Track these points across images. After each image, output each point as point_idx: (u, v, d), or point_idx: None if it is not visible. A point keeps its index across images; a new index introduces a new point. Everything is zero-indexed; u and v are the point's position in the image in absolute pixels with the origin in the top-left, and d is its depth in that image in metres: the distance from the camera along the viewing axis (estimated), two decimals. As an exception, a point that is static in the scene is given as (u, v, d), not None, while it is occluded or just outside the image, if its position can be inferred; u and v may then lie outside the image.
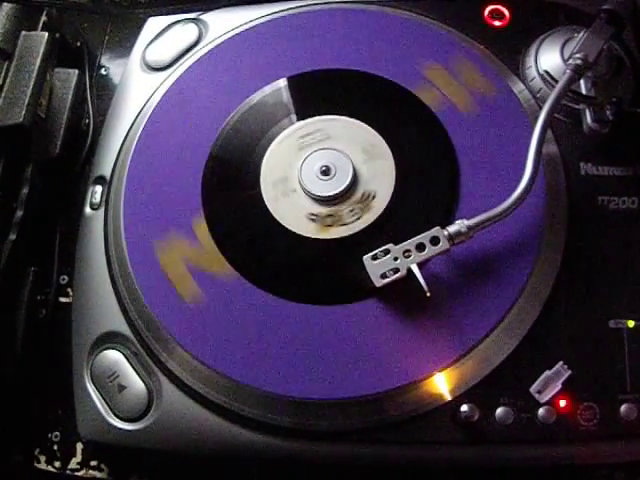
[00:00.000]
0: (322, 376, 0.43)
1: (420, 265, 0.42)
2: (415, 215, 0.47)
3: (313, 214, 0.48)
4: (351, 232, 0.46)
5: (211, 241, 0.47)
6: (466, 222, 0.42)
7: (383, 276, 0.42)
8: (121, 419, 0.45)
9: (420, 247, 0.42)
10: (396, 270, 0.42)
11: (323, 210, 0.48)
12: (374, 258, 0.42)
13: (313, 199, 0.48)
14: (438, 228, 0.42)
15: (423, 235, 0.42)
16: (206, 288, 0.46)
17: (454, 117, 0.50)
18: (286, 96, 0.52)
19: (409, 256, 0.42)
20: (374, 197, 0.48)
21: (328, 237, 0.47)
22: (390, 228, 0.46)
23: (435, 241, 0.42)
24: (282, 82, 0.53)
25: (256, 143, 0.50)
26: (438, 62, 0.52)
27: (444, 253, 0.42)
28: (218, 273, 0.46)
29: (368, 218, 0.47)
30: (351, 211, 0.47)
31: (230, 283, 0.46)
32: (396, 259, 0.42)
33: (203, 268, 0.46)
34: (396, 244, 0.43)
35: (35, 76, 0.51)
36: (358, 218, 0.47)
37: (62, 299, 0.52)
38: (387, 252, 0.42)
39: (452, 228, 0.42)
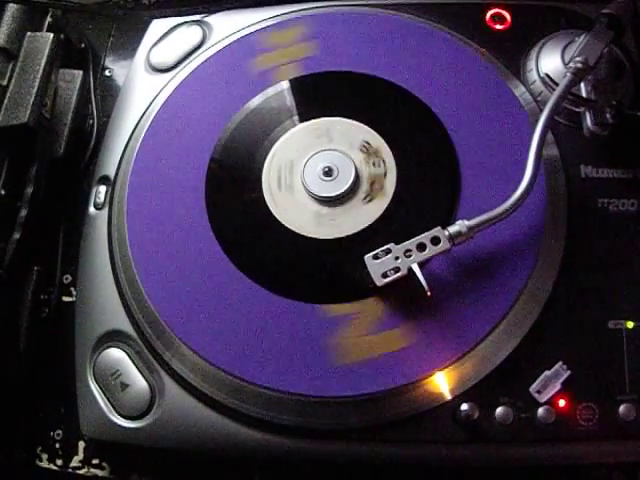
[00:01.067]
0: (323, 375, 0.43)
1: (421, 265, 0.42)
2: (416, 215, 0.47)
3: (315, 214, 0.48)
4: (352, 232, 0.47)
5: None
6: (467, 222, 0.43)
7: (384, 275, 0.42)
8: (123, 417, 0.45)
9: (421, 247, 0.42)
10: (397, 269, 0.42)
11: (324, 210, 0.48)
12: (375, 257, 0.43)
13: (315, 199, 0.48)
14: (439, 228, 0.43)
15: (424, 235, 0.43)
16: (208, 286, 0.46)
17: (456, 120, 0.50)
18: (289, 98, 0.53)
19: (410, 256, 0.42)
20: (375, 198, 0.48)
21: (330, 237, 0.47)
22: (391, 228, 0.47)
23: (436, 241, 0.42)
24: (285, 84, 0.53)
25: (259, 144, 0.51)
26: (439, 65, 0.52)
27: (445, 253, 0.43)
28: (220, 270, 0.46)
29: (369, 217, 0.47)
30: (352, 211, 0.48)
31: (233, 282, 0.46)
32: (397, 258, 0.42)
33: (206, 267, 0.47)
34: (397, 244, 0.43)
35: (40, 77, 0.51)
36: (358, 219, 0.47)
37: (65, 298, 0.52)
38: (388, 251, 0.43)
39: (453, 228, 0.43)
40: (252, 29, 0.56)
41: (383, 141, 0.50)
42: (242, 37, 0.55)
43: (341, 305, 0.45)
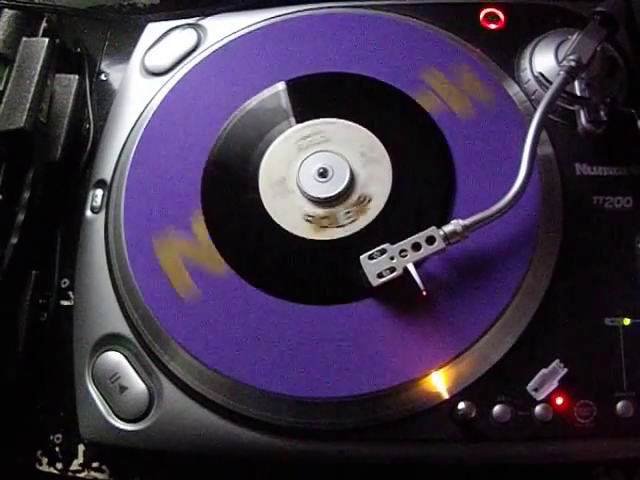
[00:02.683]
0: (320, 375, 0.43)
1: (416, 264, 0.42)
2: (411, 215, 0.47)
3: (309, 215, 0.48)
4: (347, 234, 0.47)
5: (210, 243, 0.48)
6: (461, 222, 0.43)
7: (379, 275, 0.42)
8: (122, 420, 0.45)
9: (416, 247, 0.43)
10: (392, 269, 0.42)
11: (319, 211, 0.48)
12: (370, 258, 0.43)
13: (310, 200, 0.48)
14: (434, 228, 0.43)
15: (419, 235, 0.43)
16: (205, 288, 0.46)
17: (451, 120, 0.50)
18: (284, 100, 0.53)
19: (405, 255, 0.42)
20: (370, 200, 0.48)
21: (325, 238, 0.47)
22: (387, 228, 0.47)
23: (431, 241, 0.42)
24: (280, 86, 0.53)
25: (255, 146, 0.51)
26: (435, 66, 0.52)
27: (440, 253, 0.43)
28: (217, 274, 0.47)
29: (364, 220, 0.47)
30: (347, 213, 0.48)
31: (230, 284, 0.46)
32: (392, 258, 0.42)
33: (202, 269, 0.47)
34: (392, 244, 0.43)
35: (36, 81, 0.51)
36: (354, 220, 0.47)
37: (63, 302, 0.52)
38: (383, 252, 0.43)
39: (448, 228, 0.43)
40: (247, 31, 0.56)
41: (378, 142, 0.50)
42: (237, 39, 0.55)
43: (337, 306, 0.45)
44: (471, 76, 0.51)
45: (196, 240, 0.48)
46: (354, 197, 0.48)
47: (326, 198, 0.48)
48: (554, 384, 0.43)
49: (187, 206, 0.49)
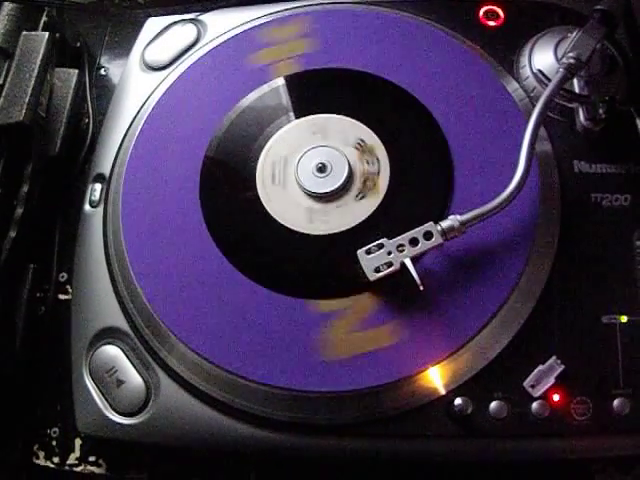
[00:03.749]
0: (317, 370, 0.43)
1: (414, 260, 0.42)
2: (409, 212, 0.47)
3: (307, 209, 0.48)
4: (344, 228, 0.47)
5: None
6: (459, 217, 0.43)
7: (377, 270, 0.42)
8: (119, 414, 0.45)
9: (413, 242, 0.43)
10: (390, 264, 0.42)
11: (318, 206, 0.48)
12: (368, 252, 0.43)
13: (308, 195, 0.48)
14: (431, 223, 0.43)
15: (417, 230, 0.43)
16: (203, 283, 0.46)
17: (449, 116, 0.50)
18: (283, 95, 0.53)
19: (403, 250, 0.42)
20: (368, 195, 0.48)
21: (322, 233, 0.47)
22: (384, 224, 0.47)
23: (428, 236, 0.43)
24: (280, 81, 0.53)
25: (254, 141, 0.51)
26: (433, 62, 0.52)
27: (437, 248, 0.43)
28: (214, 266, 0.47)
29: (361, 214, 0.47)
30: (344, 209, 0.48)
31: (228, 278, 0.46)
32: (390, 253, 0.43)
33: (200, 262, 0.47)
34: (390, 239, 0.43)
35: (35, 75, 0.51)
36: (351, 216, 0.47)
37: (61, 296, 0.52)
38: (381, 246, 0.43)
39: (445, 223, 0.43)
40: (246, 26, 0.56)
41: (377, 138, 0.50)
42: (236, 35, 0.56)
43: (334, 300, 0.45)
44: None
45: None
46: (352, 192, 0.48)
47: (324, 193, 0.48)
48: (551, 381, 0.43)
49: (186, 202, 0.49)
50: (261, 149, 0.50)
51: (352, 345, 0.43)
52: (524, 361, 0.43)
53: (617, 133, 0.48)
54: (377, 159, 0.49)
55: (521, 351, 0.44)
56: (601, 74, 0.50)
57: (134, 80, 0.56)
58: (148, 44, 0.58)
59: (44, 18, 0.56)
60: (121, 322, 0.47)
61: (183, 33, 0.57)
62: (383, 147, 0.50)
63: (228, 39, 0.56)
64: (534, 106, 0.46)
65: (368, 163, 0.49)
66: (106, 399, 0.45)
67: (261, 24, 0.56)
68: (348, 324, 0.44)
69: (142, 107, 0.54)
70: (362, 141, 0.50)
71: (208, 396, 0.44)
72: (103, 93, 0.60)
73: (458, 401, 0.42)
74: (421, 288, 0.42)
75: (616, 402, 0.43)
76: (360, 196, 0.48)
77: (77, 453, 0.48)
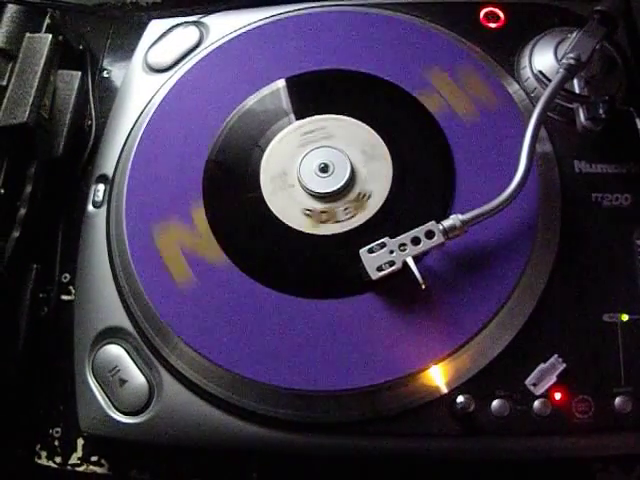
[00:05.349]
0: (319, 369, 0.43)
1: (416, 259, 0.43)
2: (411, 212, 0.47)
3: (309, 209, 0.48)
4: (346, 229, 0.47)
5: (212, 237, 0.48)
6: (460, 217, 0.43)
7: (379, 269, 0.42)
8: (122, 413, 0.45)
9: (415, 241, 0.43)
10: (392, 263, 0.42)
11: (319, 206, 0.48)
12: (370, 251, 0.43)
13: (310, 195, 0.49)
14: (433, 222, 0.43)
15: (418, 229, 0.43)
16: (206, 282, 0.46)
17: (451, 117, 0.50)
18: (286, 97, 0.53)
19: (405, 249, 0.43)
20: (370, 196, 0.48)
21: (325, 233, 0.47)
22: (386, 225, 0.47)
23: (430, 235, 0.43)
24: (282, 83, 0.53)
25: (256, 142, 0.51)
26: (435, 64, 0.53)
27: (439, 247, 0.43)
28: (217, 267, 0.47)
29: (363, 215, 0.48)
30: (346, 209, 0.48)
31: (231, 277, 0.46)
32: (392, 252, 0.43)
33: (202, 262, 0.47)
34: (392, 238, 0.43)
35: (39, 77, 0.51)
36: (353, 216, 0.48)
37: (64, 297, 0.52)
38: (383, 245, 0.43)
39: (447, 222, 0.43)
40: (248, 29, 0.56)
41: (379, 138, 0.50)
42: (239, 37, 0.56)
43: (337, 300, 0.45)
44: (474, 76, 0.52)
45: (197, 233, 0.48)
46: (354, 193, 0.49)
47: (326, 193, 0.48)
48: (552, 379, 0.43)
49: (188, 201, 0.49)
50: (264, 150, 0.51)
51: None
52: (526, 359, 0.43)
53: (617, 133, 0.49)
54: (379, 160, 0.49)
55: (523, 349, 0.44)
56: (601, 74, 0.50)
57: (137, 82, 0.57)
58: (151, 46, 0.58)
59: (47, 20, 0.56)
60: (124, 322, 0.47)
61: (186, 35, 0.58)
62: (386, 148, 0.50)
63: (230, 41, 0.56)
64: (534, 107, 0.46)
65: (370, 164, 0.49)
66: (109, 398, 0.46)
67: (263, 26, 0.56)
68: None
69: (145, 109, 0.54)
70: (365, 142, 0.50)
71: (211, 395, 0.44)
72: (106, 95, 0.60)
73: (460, 399, 0.42)
74: (423, 287, 0.42)
75: (617, 400, 0.43)
76: (362, 197, 0.48)
77: (79, 453, 0.48)
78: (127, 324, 0.47)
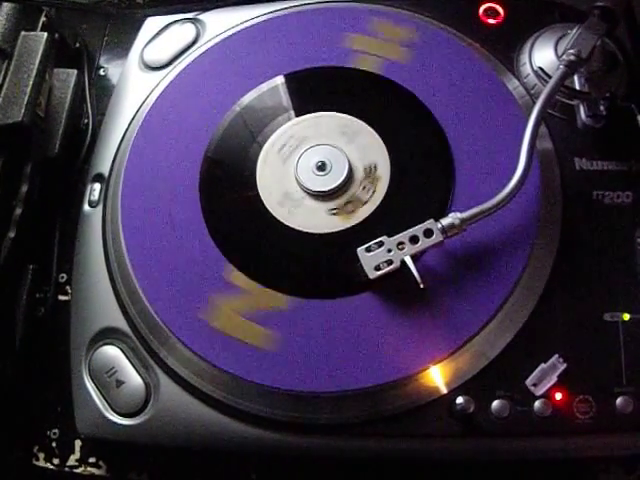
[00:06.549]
0: (318, 370, 0.43)
1: (414, 258, 0.42)
2: (410, 211, 0.47)
3: (307, 208, 0.48)
4: (344, 227, 0.47)
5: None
6: (459, 215, 0.43)
7: (377, 268, 0.42)
8: (119, 414, 0.45)
9: (414, 239, 0.42)
10: (390, 262, 0.42)
11: (318, 205, 0.48)
12: (368, 250, 0.43)
13: (309, 194, 0.48)
14: (432, 221, 0.43)
15: (417, 227, 0.43)
16: (204, 283, 0.46)
17: (449, 114, 0.50)
18: (282, 93, 0.53)
19: (403, 248, 0.42)
20: (368, 193, 0.48)
21: (322, 231, 0.47)
22: (384, 223, 0.46)
23: (429, 233, 0.42)
24: (279, 79, 0.53)
25: (253, 139, 0.51)
26: (433, 60, 0.52)
27: (437, 245, 0.42)
28: (215, 267, 0.46)
29: (362, 213, 0.47)
30: (346, 205, 0.48)
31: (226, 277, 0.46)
32: (390, 251, 0.42)
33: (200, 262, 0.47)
34: (390, 237, 0.43)
35: (34, 75, 0.51)
36: (352, 213, 0.47)
37: (61, 297, 0.52)
38: (381, 244, 0.43)
39: (445, 221, 0.43)
40: (245, 26, 0.56)
41: (377, 136, 0.50)
42: (235, 34, 0.55)
43: (334, 300, 0.44)
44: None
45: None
46: (352, 190, 0.48)
47: (324, 191, 0.48)
48: (553, 379, 0.42)
49: (185, 202, 0.49)
50: (261, 148, 0.50)
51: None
52: (526, 360, 0.43)
53: (618, 130, 0.48)
54: (377, 157, 0.49)
55: (523, 350, 0.43)
56: (602, 71, 0.50)
57: (133, 80, 0.56)
58: (147, 44, 0.58)
59: (43, 18, 0.56)
60: (121, 322, 0.47)
61: (182, 33, 0.57)
62: (384, 146, 0.49)
63: (227, 38, 0.55)
64: (535, 103, 0.46)
65: (368, 160, 0.49)
66: (106, 400, 0.45)
67: (259, 23, 0.56)
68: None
69: (141, 107, 0.54)
70: (362, 140, 0.50)
71: (208, 396, 0.44)
72: (102, 93, 0.60)
73: (460, 400, 0.42)
74: (422, 286, 0.41)
75: (619, 400, 0.42)
76: (360, 195, 0.48)
77: (77, 454, 0.48)
78: (124, 325, 0.47)
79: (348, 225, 0.47)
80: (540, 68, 0.51)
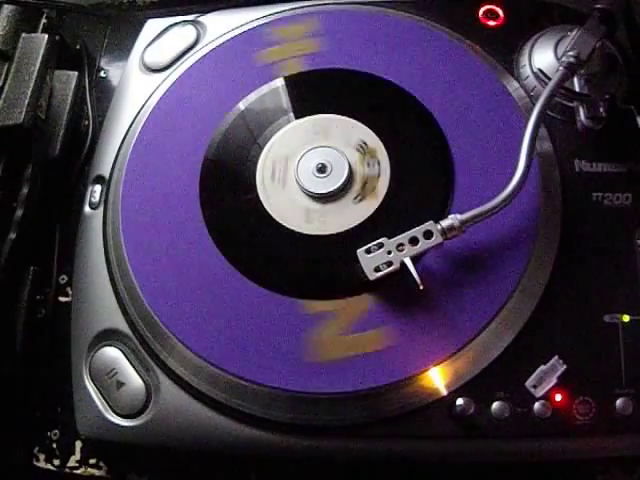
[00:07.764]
0: (319, 371, 0.43)
1: (414, 260, 0.42)
2: (409, 213, 0.47)
3: (306, 210, 0.48)
4: (342, 229, 0.47)
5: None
6: (459, 216, 0.43)
7: (377, 269, 0.42)
8: (119, 416, 0.45)
9: (413, 241, 0.42)
10: (389, 263, 0.42)
11: (318, 207, 0.48)
12: (368, 252, 0.43)
13: (308, 196, 0.48)
14: (431, 222, 0.43)
15: (416, 229, 0.43)
16: (203, 284, 0.46)
17: (449, 116, 0.50)
18: (284, 95, 0.53)
19: (403, 250, 0.42)
20: (367, 196, 0.48)
21: (319, 233, 0.47)
22: (383, 225, 0.46)
23: (428, 235, 0.42)
24: (280, 81, 0.53)
25: (254, 141, 0.51)
26: (433, 61, 0.52)
27: (437, 247, 0.43)
28: (216, 270, 0.46)
29: (362, 215, 0.47)
30: (343, 209, 0.48)
31: (229, 280, 0.46)
32: (390, 253, 0.42)
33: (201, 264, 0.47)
34: (390, 238, 0.43)
35: (35, 77, 0.51)
36: (350, 216, 0.47)
37: (61, 298, 0.52)
38: (381, 246, 0.43)
39: (445, 222, 0.43)
40: (246, 28, 0.56)
41: (378, 138, 0.50)
42: (235, 36, 0.56)
43: (335, 301, 0.45)
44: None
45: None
46: (352, 192, 0.48)
47: (323, 194, 0.48)
48: (553, 381, 0.42)
49: (186, 204, 0.49)
50: (261, 150, 0.50)
51: (353, 346, 0.43)
52: (526, 361, 0.43)
53: (618, 132, 0.48)
54: (378, 161, 0.49)
55: (523, 351, 0.43)
56: (601, 72, 0.50)
57: (134, 82, 0.56)
58: (147, 46, 0.58)
59: (43, 20, 0.56)
60: (121, 324, 0.47)
61: (182, 35, 0.57)
62: (384, 149, 0.49)
63: (227, 40, 0.56)
64: (534, 105, 0.46)
65: (369, 165, 0.49)
66: (106, 401, 0.45)
67: (260, 25, 0.56)
68: (349, 325, 0.44)
69: (142, 109, 0.54)
70: (363, 142, 0.50)
71: (208, 397, 0.44)
72: (103, 95, 0.60)
73: (460, 402, 0.42)
74: (421, 287, 0.42)
75: (619, 402, 0.42)
76: (359, 198, 0.48)
77: (77, 455, 0.48)
78: (124, 326, 0.47)
79: (348, 227, 0.47)
80: (540, 70, 0.51)
